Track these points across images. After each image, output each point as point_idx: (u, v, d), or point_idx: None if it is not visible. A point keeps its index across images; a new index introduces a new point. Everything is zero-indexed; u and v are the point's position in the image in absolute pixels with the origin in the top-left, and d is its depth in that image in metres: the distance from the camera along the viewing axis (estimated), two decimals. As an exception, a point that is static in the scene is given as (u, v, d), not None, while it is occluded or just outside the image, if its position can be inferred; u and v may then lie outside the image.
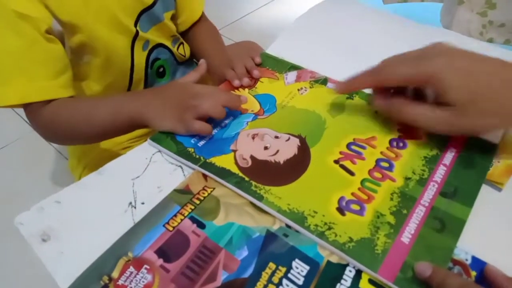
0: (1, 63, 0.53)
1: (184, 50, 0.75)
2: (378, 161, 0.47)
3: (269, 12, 1.50)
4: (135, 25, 0.64)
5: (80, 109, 0.57)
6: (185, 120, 0.50)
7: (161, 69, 0.72)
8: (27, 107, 0.56)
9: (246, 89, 0.58)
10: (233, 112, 0.53)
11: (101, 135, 0.59)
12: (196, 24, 0.75)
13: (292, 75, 0.60)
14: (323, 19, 0.74)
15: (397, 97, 0.48)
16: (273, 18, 1.46)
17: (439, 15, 1.17)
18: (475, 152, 0.47)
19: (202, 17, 0.76)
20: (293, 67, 0.61)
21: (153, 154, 0.50)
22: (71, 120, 0.57)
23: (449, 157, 0.47)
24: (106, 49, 0.63)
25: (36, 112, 0.57)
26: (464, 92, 0.42)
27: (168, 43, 0.71)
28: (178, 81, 0.57)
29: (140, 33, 0.65)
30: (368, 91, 0.55)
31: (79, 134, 0.58)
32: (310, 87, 0.57)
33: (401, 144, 0.49)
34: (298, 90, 0.57)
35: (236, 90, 0.58)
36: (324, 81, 0.58)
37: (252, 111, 0.54)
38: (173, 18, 0.72)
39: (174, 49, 0.72)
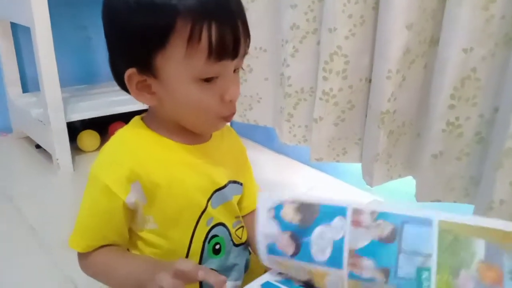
0: (88, 221, 0.64)
1: (242, 234, 0.78)
2: None
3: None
4: (207, 201, 0.69)
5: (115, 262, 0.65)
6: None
7: (218, 246, 0.73)
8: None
9: None
10: None
11: None
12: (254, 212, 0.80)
13: None
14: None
15: None
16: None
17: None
18: None
19: None
20: None
21: None
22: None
23: None
24: (172, 220, 0.66)
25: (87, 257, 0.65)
26: None
27: (229, 224, 0.74)
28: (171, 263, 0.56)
29: (209, 208, 0.69)
30: None
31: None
32: None
33: None
34: None
35: None
36: None
37: None
38: (239, 203, 0.78)
39: (233, 230, 0.75)
